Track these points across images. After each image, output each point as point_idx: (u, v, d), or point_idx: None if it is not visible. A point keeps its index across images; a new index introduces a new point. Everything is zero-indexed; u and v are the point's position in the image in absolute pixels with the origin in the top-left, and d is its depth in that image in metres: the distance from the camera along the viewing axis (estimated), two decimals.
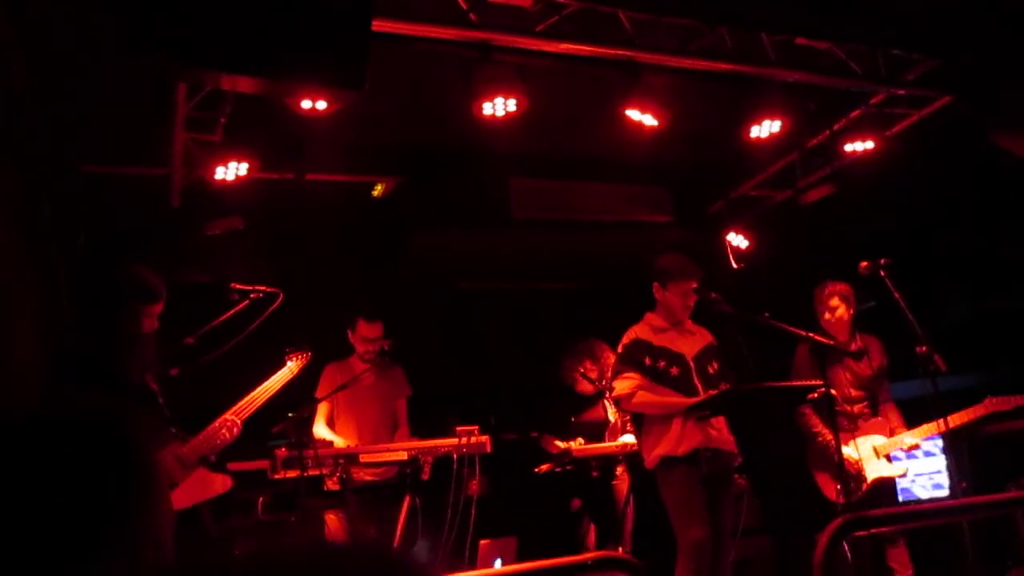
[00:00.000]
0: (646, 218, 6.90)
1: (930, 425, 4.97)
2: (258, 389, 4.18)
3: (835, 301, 5.24)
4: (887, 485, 5.15)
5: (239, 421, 4.04)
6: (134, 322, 3.63)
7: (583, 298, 7.30)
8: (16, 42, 3.81)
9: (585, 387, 5.91)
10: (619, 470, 5.60)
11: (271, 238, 6.00)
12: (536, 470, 5.65)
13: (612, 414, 5.65)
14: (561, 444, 5.54)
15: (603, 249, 7.13)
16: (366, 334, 5.35)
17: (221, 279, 4.30)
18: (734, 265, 6.74)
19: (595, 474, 5.48)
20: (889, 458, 5.12)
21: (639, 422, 4.82)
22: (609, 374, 5.63)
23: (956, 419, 4.74)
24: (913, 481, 5.83)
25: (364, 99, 5.05)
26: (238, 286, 4.02)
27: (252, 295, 3.99)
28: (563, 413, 5.89)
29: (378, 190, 6.58)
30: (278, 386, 4.30)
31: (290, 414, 4.75)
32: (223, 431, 3.98)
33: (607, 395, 5.67)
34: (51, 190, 5.06)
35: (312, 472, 4.60)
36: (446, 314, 6.91)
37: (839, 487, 4.86)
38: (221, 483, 3.92)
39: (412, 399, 5.61)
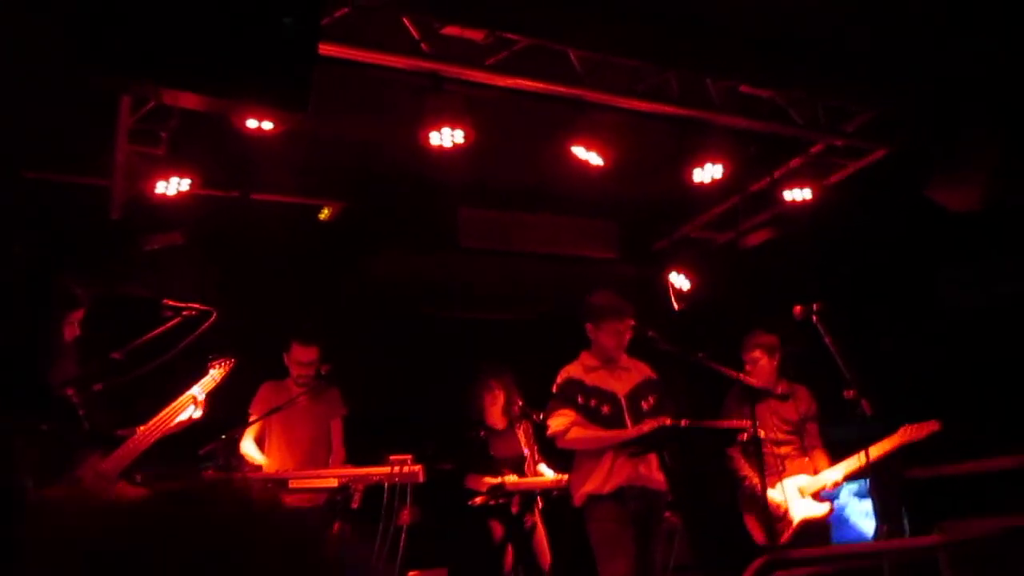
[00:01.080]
0: (592, 253, 6.97)
1: (851, 460, 5.07)
2: (180, 399, 4.12)
3: (757, 353, 5.41)
4: (817, 526, 5.22)
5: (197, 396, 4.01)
6: (55, 329, 3.58)
7: (526, 330, 7.33)
8: None
9: (495, 418, 5.90)
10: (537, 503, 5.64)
11: (214, 256, 5.93)
12: (470, 503, 5.62)
13: (525, 447, 5.68)
14: (489, 480, 5.54)
15: (549, 282, 7.17)
16: (300, 358, 5.31)
17: (160, 295, 4.25)
18: (675, 306, 6.83)
19: (514, 509, 5.48)
20: (816, 497, 5.20)
21: (570, 460, 4.84)
22: (516, 405, 5.66)
23: (875, 450, 4.83)
24: (853, 522, 5.93)
25: (314, 121, 5.12)
26: (171, 303, 3.97)
27: (184, 312, 3.94)
28: (484, 447, 5.87)
29: (325, 213, 6.56)
30: (202, 393, 4.24)
31: (223, 435, 4.69)
32: (175, 417, 3.94)
33: (517, 427, 5.70)
34: None
35: None
36: (389, 339, 6.87)
37: (771, 526, 4.94)
38: None
39: (349, 423, 5.56)
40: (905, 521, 5.68)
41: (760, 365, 5.38)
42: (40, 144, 5.21)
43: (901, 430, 5.02)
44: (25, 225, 5.23)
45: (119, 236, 5.44)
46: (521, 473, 5.67)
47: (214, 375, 4.37)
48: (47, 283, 3.66)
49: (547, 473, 5.66)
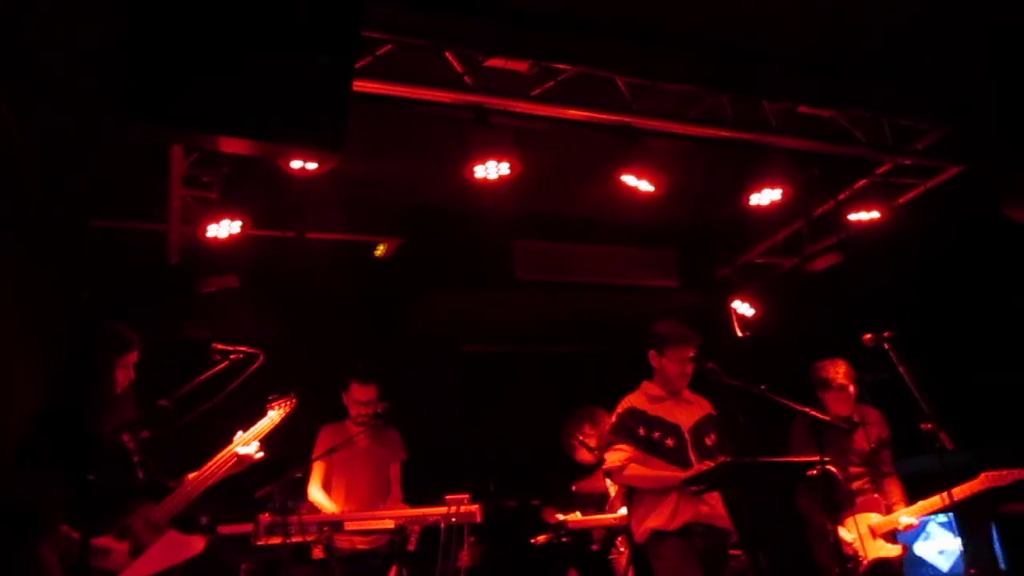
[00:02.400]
0: (651, 282, 6.81)
1: (927, 502, 4.84)
2: (236, 440, 4.09)
3: (841, 380, 5.11)
4: (888, 566, 4.93)
5: (250, 446, 3.97)
6: (107, 375, 3.60)
7: (587, 362, 7.19)
8: (10, 106, 3.86)
9: (584, 456, 5.77)
10: (619, 541, 5.43)
11: (271, 296, 5.98)
12: (532, 541, 5.48)
13: (612, 486, 5.50)
14: (560, 516, 5.40)
15: (608, 313, 7.04)
16: (359, 397, 5.28)
17: (216, 338, 4.25)
18: (739, 333, 6.62)
19: (595, 547, 5.31)
20: (888, 537, 4.92)
21: (630, 493, 4.67)
22: (585, 441, 5.51)
23: (956, 493, 4.57)
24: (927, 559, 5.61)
25: (364, 159, 5.13)
26: (219, 346, 3.97)
27: (232, 355, 3.93)
28: (564, 482, 5.74)
29: (380, 250, 6.55)
30: (259, 435, 4.21)
31: (280, 478, 4.66)
32: (225, 466, 3.90)
33: None
34: (54, 244, 5.09)
35: (296, 539, 4.48)
36: (448, 376, 6.82)
37: (837, 570, 4.68)
38: (193, 546, 3.82)
39: (411, 463, 5.50)
40: (1000, 561, 5.35)
41: (845, 394, 5.12)
42: (103, 192, 5.32)
43: (982, 476, 4.76)
44: (91, 272, 5.34)
45: (176, 280, 5.51)
46: (601, 512, 5.52)
47: (273, 416, 4.32)
48: (88, 326, 3.69)
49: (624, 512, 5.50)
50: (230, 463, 3.95)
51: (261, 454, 4.08)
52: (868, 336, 4.52)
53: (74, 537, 3.24)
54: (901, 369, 4.36)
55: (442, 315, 6.76)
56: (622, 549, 5.42)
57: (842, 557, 4.60)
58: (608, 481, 5.51)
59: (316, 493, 5.23)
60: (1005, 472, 4.74)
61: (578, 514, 5.44)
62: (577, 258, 6.66)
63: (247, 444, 4.04)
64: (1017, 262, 5.76)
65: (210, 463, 3.93)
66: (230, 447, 4.02)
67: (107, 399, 3.72)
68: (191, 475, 3.87)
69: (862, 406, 5.24)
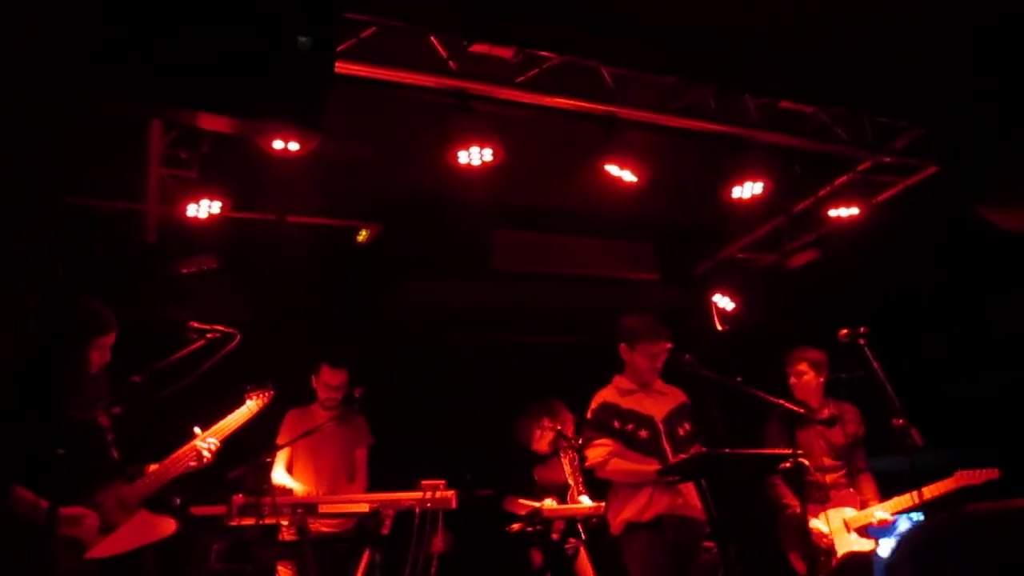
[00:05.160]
0: (631, 275, 6.83)
1: (902, 498, 4.88)
2: (214, 427, 4.08)
3: (803, 367, 5.19)
4: (860, 560, 4.98)
5: (217, 442, 3.93)
6: (83, 354, 3.56)
7: (565, 353, 7.19)
8: None
9: (542, 446, 5.77)
10: (579, 528, 5.47)
11: (248, 278, 5.94)
12: (507, 529, 5.48)
13: (569, 476, 5.53)
14: (528, 503, 5.39)
15: (587, 304, 7.04)
16: (329, 381, 5.27)
17: (193, 318, 4.22)
18: (719, 327, 6.65)
19: (555, 536, 5.32)
20: (862, 532, 4.96)
21: (605, 487, 4.69)
22: (565, 434, 5.50)
23: (928, 492, 4.62)
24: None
25: (346, 144, 5.09)
26: (196, 324, 3.93)
27: (208, 335, 3.90)
28: (525, 471, 5.73)
29: (363, 235, 6.52)
30: (236, 425, 4.20)
31: (251, 459, 4.64)
32: (198, 451, 3.87)
33: (562, 455, 5.55)
34: (25, 218, 5.03)
35: (269, 521, 4.46)
36: (422, 363, 6.80)
37: (813, 559, 4.73)
38: (164, 527, 3.79)
39: (384, 449, 5.49)
40: None
41: (805, 380, 5.19)
42: (79, 169, 5.26)
43: (957, 475, 4.84)
44: (66, 249, 5.28)
45: (154, 259, 5.46)
46: (564, 501, 5.53)
47: (250, 406, 4.31)
48: (65, 304, 3.65)
49: (587, 502, 5.51)
50: (191, 455, 3.90)
51: (208, 456, 3.98)
52: (843, 331, 4.55)
53: (41, 505, 3.22)
54: (875, 365, 4.39)
55: (419, 302, 6.72)
56: (583, 537, 5.46)
57: (815, 549, 4.64)
58: (567, 471, 5.54)
59: (280, 475, 5.21)
60: (978, 472, 4.79)
61: (551, 501, 5.45)
62: (556, 249, 6.66)
63: (212, 437, 4.00)
64: (991, 262, 5.83)
65: (179, 451, 3.89)
66: (216, 427, 4.00)
67: (79, 378, 3.67)
68: (151, 466, 3.82)
69: (839, 402, 5.28)
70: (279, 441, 5.16)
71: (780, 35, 4.66)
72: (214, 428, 4.07)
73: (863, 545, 4.97)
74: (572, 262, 6.70)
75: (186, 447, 3.89)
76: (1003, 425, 5.53)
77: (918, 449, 4.37)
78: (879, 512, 4.96)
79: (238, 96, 2.99)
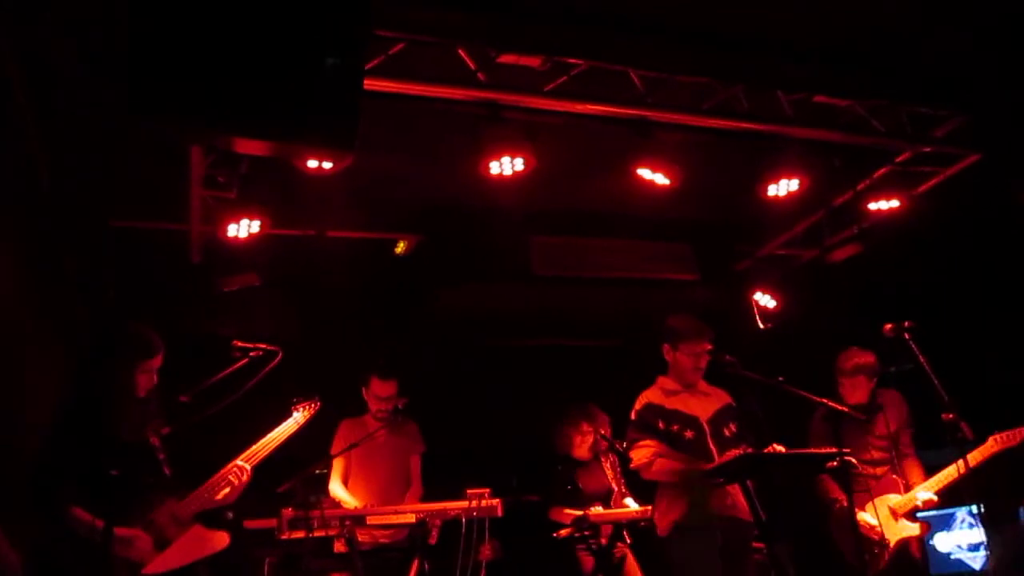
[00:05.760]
0: (670, 276, 6.79)
1: (943, 474, 4.82)
2: (262, 440, 4.16)
3: (861, 379, 5.11)
4: (913, 545, 4.92)
5: (248, 467, 4.02)
6: (129, 377, 3.66)
7: (606, 356, 7.18)
8: (30, 105, 3.94)
9: (583, 452, 5.77)
10: (625, 535, 5.47)
11: (292, 294, 6.04)
12: (555, 534, 5.50)
13: (612, 480, 5.52)
14: (573, 513, 5.40)
15: (628, 307, 7.02)
16: (379, 392, 5.32)
17: (238, 336, 4.31)
18: (761, 325, 6.59)
19: (604, 540, 5.32)
20: (910, 517, 4.90)
21: (651, 488, 4.68)
22: (605, 435, 5.49)
23: (972, 459, 4.54)
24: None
25: (381, 157, 5.16)
26: (239, 343, 4.02)
27: (252, 353, 3.98)
28: (568, 478, 5.74)
29: (401, 247, 6.59)
30: (283, 437, 4.28)
31: (301, 472, 4.72)
32: (229, 479, 3.95)
33: (603, 460, 5.54)
34: (77, 244, 5.17)
35: (318, 533, 4.53)
36: (468, 371, 6.85)
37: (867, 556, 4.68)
38: (218, 541, 3.88)
39: (430, 458, 5.53)
40: None
41: (858, 383, 5.11)
42: (125, 193, 5.39)
43: (991, 439, 4.73)
44: (116, 272, 5.42)
45: (198, 279, 5.58)
46: (608, 506, 5.53)
47: (297, 418, 4.40)
48: (112, 328, 3.75)
49: (632, 505, 5.50)
50: (260, 457, 4.00)
51: (237, 482, 4.03)
52: (888, 326, 4.48)
53: (97, 526, 3.31)
54: (921, 359, 4.32)
55: (461, 311, 6.77)
56: (629, 541, 5.45)
57: (867, 543, 4.58)
58: (609, 475, 5.53)
59: (337, 488, 5.28)
60: (1012, 432, 4.69)
61: (599, 507, 5.45)
62: (594, 252, 6.65)
63: (275, 443, 4.10)
64: None
65: (242, 455, 4.00)
66: (263, 440, 4.12)
67: (127, 400, 3.77)
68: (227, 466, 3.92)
69: (882, 390, 5.21)
70: (332, 452, 5.23)
71: (810, 28, 4.62)
72: (260, 442, 4.15)
73: (912, 530, 4.91)
74: (611, 265, 6.69)
75: (218, 474, 3.97)
76: None
77: (968, 443, 4.30)
78: (922, 493, 4.88)
79: (271, 120, 3.05)
